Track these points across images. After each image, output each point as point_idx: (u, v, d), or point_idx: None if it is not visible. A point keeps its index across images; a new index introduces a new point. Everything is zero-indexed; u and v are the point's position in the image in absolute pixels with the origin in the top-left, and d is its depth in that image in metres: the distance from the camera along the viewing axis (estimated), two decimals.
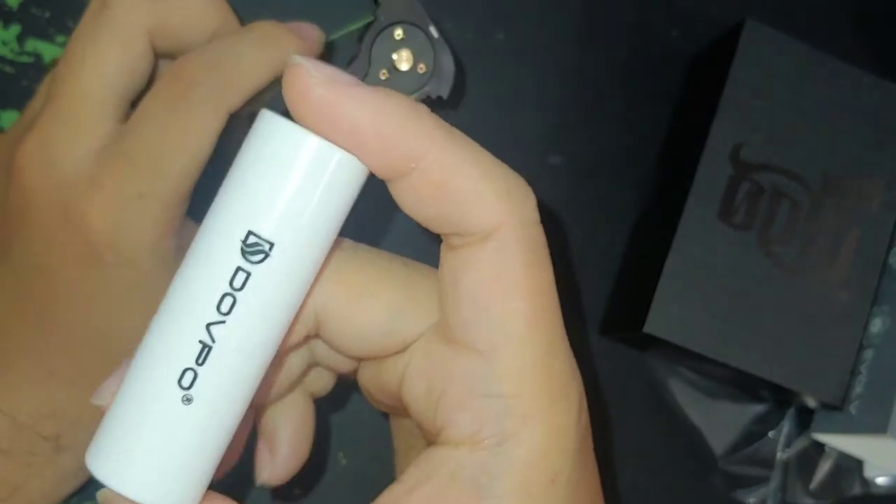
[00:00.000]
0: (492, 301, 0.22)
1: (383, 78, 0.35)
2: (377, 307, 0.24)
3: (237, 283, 0.21)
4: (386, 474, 0.41)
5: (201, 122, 0.30)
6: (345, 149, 0.21)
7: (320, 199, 0.21)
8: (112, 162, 0.30)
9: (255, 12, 0.40)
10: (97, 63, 0.30)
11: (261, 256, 0.21)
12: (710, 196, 0.39)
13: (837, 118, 0.41)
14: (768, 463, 0.44)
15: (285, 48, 0.33)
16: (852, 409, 0.40)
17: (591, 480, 0.25)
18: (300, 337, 0.24)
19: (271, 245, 0.21)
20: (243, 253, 0.21)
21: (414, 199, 0.22)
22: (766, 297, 0.39)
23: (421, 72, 0.35)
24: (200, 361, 0.21)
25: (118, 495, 0.21)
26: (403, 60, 0.35)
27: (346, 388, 0.40)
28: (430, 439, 0.24)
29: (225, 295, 0.21)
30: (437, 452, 0.23)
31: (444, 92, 0.35)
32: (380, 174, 0.22)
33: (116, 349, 0.27)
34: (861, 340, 0.40)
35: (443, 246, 0.23)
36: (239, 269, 0.21)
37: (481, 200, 0.21)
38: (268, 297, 0.21)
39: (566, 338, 0.23)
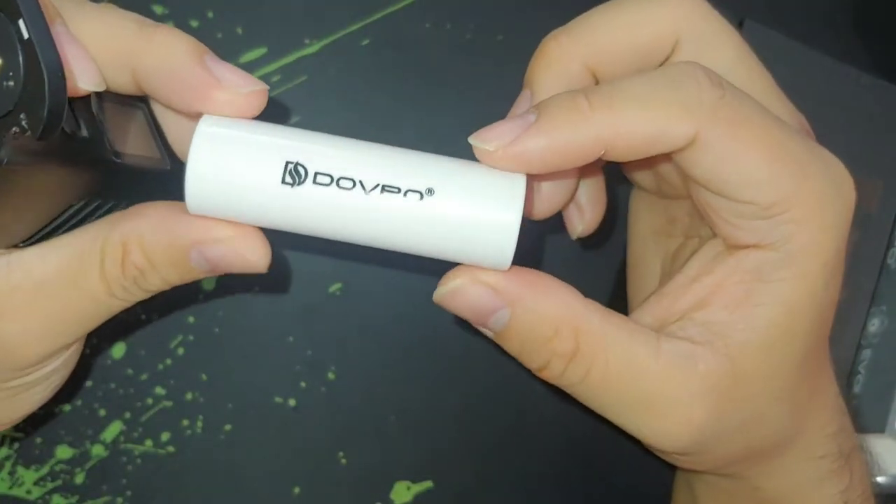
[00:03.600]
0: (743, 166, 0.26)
1: None
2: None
3: None
4: (386, 474, 0.41)
5: None
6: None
7: None
8: None
9: (255, 13, 0.40)
10: None
11: None
12: None
13: (836, 118, 0.41)
14: None
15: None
16: (851, 408, 0.40)
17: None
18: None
19: None
20: None
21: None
22: None
23: (9, 88, 0.23)
24: None
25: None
26: None
27: (345, 390, 0.40)
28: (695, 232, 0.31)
29: None
30: (717, 251, 0.28)
31: (35, 129, 0.23)
32: None
33: None
34: (859, 340, 0.40)
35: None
36: None
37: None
38: None
39: (822, 151, 0.28)
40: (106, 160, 0.27)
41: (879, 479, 0.44)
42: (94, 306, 0.28)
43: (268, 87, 0.27)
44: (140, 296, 0.28)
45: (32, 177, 0.25)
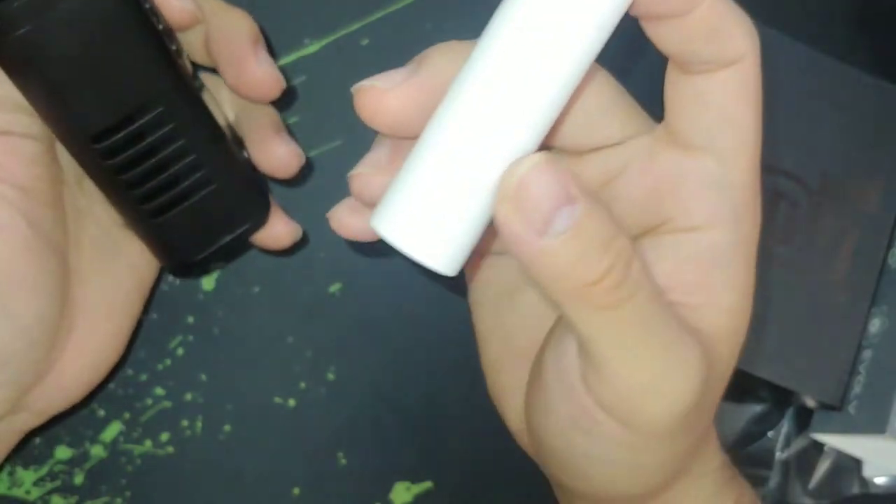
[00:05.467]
0: (735, 112, 0.26)
1: None
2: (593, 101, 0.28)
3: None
4: (386, 474, 0.41)
5: None
6: None
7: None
8: None
9: (253, 12, 0.40)
10: None
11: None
12: None
13: (837, 119, 0.41)
14: (767, 463, 0.44)
15: None
16: (851, 409, 0.40)
17: None
18: None
19: None
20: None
21: (678, 37, 0.26)
22: (766, 297, 0.40)
23: None
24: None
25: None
26: None
27: (345, 390, 0.40)
28: (638, 229, 0.28)
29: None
30: (664, 240, 0.27)
31: None
32: (659, 13, 0.25)
33: None
34: (860, 341, 0.40)
35: (673, 70, 0.27)
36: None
37: (735, 37, 0.26)
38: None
39: None
40: (173, 60, 0.31)
41: (878, 480, 0.44)
42: None
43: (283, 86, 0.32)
44: None
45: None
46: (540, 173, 0.23)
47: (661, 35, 0.26)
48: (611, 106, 0.29)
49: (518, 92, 0.23)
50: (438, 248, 0.24)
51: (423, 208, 0.24)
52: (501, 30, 0.24)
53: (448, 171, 0.24)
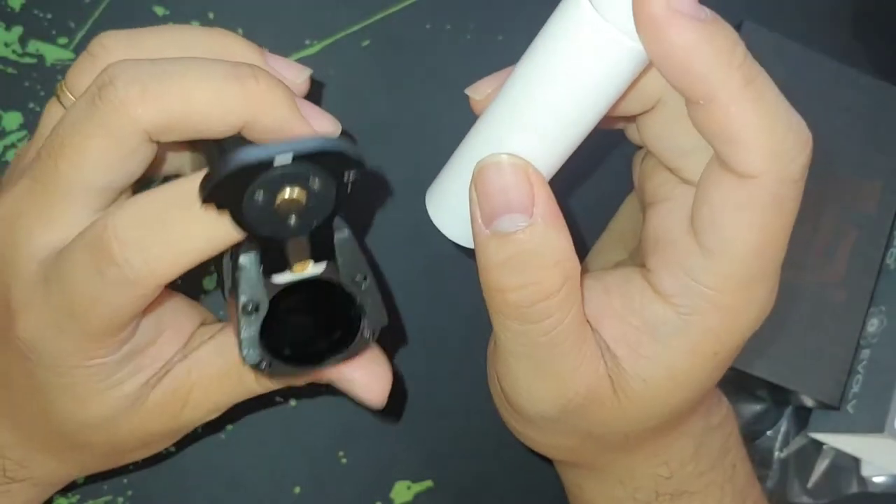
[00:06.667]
0: (726, 223, 0.26)
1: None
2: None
3: None
4: (386, 474, 0.41)
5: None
6: (653, 59, 0.24)
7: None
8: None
9: (255, 14, 0.40)
10: (79, 158, 0.27)
11: None
12: None
13: (835, 119, 0.41)
14: (766, 462, 0.44)
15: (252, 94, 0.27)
16: (849, 408, 0.40)
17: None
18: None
19: None
20: None
21: (695, 121, 0.25)
22: None
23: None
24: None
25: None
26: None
27: None
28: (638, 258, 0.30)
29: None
30: (636, 278, 0.28)
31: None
32: (681, 90, 0.25)
33: (50, 411, 0.29)
34: (858, 340, 0.40)
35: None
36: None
37: (749, 151, 0.24)
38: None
39: (778, 272, 0.28)
40: None
41: (876, 479, 0.44)
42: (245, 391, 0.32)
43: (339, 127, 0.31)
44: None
45: None
46: (501, 170, 0.26)
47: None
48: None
49: (527, 125, 0.27)
50: (457, 226, 0.29)
51: (449, 197, 0.29)
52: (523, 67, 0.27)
53: (468, 170, 0.28)
